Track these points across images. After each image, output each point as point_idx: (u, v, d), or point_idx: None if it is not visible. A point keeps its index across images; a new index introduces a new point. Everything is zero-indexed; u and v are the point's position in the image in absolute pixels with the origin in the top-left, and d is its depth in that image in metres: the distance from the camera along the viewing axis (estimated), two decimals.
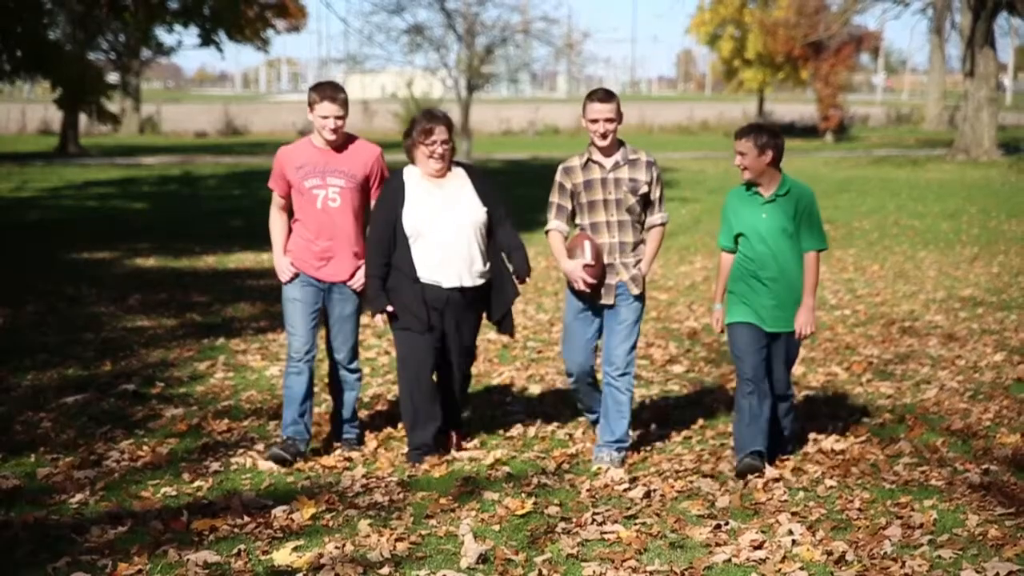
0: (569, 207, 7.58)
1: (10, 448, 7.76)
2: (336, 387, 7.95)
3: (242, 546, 6.11)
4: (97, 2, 31.39)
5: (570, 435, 8.14)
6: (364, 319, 8.14)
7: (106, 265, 16.28)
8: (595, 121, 7.43)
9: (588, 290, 7.43)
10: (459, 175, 7.65)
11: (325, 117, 7.53)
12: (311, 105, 7.57)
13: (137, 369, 9.99)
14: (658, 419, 8.54)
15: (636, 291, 7.50)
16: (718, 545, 6.15)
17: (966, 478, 7.10)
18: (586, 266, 7.36)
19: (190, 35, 47.52)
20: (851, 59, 50.46)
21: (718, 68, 63.28)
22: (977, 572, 5.73)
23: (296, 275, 7.70)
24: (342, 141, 7.67)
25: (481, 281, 7.57)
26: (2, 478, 7.18)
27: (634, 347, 7.58)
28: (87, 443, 7.90)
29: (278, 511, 6.61)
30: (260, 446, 7.88)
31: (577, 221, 7.62)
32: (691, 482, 7.15)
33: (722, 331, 7.59)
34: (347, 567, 5.80)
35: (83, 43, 39.48)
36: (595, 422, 7.86)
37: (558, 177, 7.60)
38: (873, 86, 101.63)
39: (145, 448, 7.83)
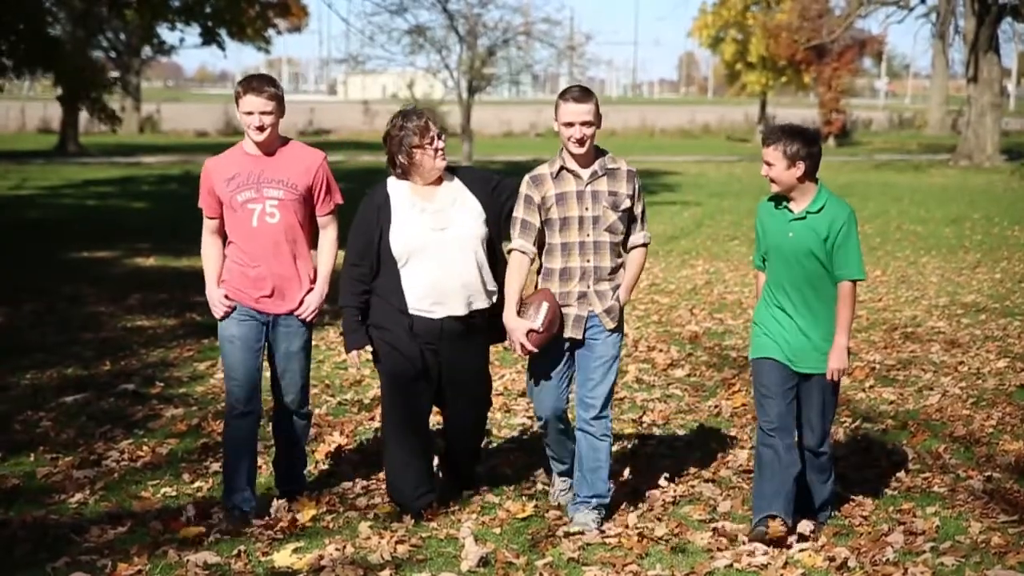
0: (537, 223, 6.44)
1: (9, 447, 7.77)
2: (282, 435, 6.92)
3: (242, 547, 6.11)
4: (98, 0, 31.44)
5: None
6: (354, 358, 6.71)
7: (106, 264, 16.29)
8: (570, 125, 6.35)
9: (523, 355, 6.53)
10: (453, 184, 6.65)
11: (249, 113, 6.45)
12: (236, 100, 6.52)
13: (137, 369, 9.99)
14: (659, 423, 8.54)
15: (611, 325, 6.50)
16: (719, 550, 6.15)
17: (969, 485, 7.10)
18: (532, 331, 6.34)
19: (191, 34, 47.34)
20: (854, 63, 50.53)
21: (720, 71, 63.37)
22: None
23: (232, 308, 6.59)
24: (277, 146, 6.63)
25: (485, 304, 6.62)
26: (1, 477, 7.19)
27: (612, 387, 6.60)
28: (87, 443, 7.90)
29: (278, 512, 6.62)
30: (260, 447, 7.87)
31: (548, 240, 6.50)
32: (692, 486, 7.16)
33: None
34: (347, 569, 5.80)
35: (84, 41, 39.43)
36: (563, 473, 6.92)
37: (524, 188, 6.49)
38: (876, 90, 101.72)
39: (145, 448, 7.83)
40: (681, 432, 8.34)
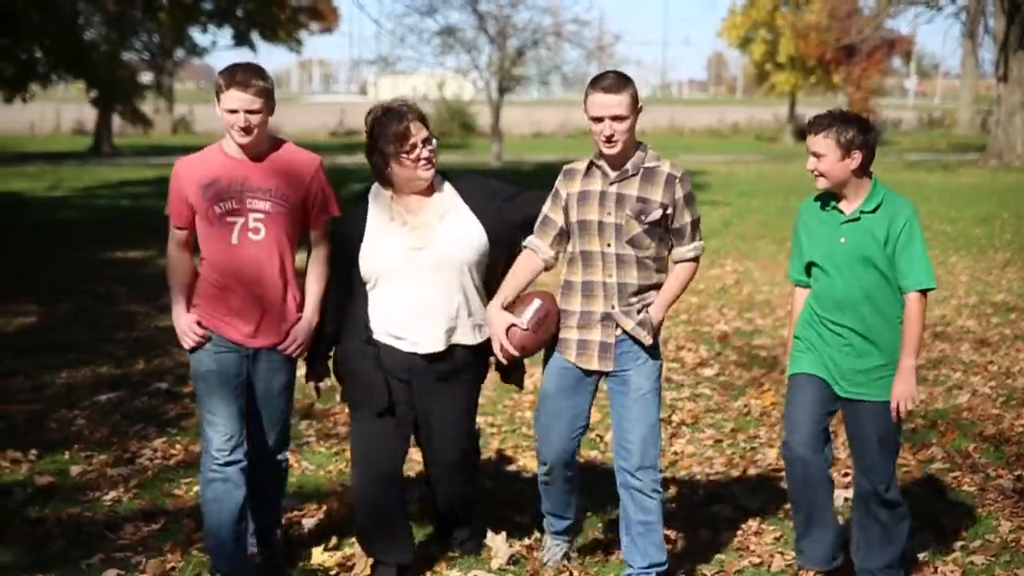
0: (560, 222, 5.40)
1: (45, 445, 7.81)
2: (257, 486, 5.67)
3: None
4: (131, 3, 31.63)
5: (600, 436, 8.11)
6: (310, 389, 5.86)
7: (139, 264, 16.35)
8: (598, 120, 5.21)
9: (504, 360, 5.41)
10: (445, 195, 5.56)
11: (233, 111, 5.31)
12: (216, 94, 5.37)
13: (170, 368, 10.02)
14: (689, 422, 8.52)
15: (647, 340, 5.34)
16: (749, 549, 6.13)
17: (998, 484, 7.06)
18: (513, 327, 5.28)
19: (224, 36, 47.56)
20: (883, 63, 50.39)
21: (749, 71, 63.23)
22: None
23: (207, 339, 5.50)
24: (265, 148, 5.48)
25: (471, 340, 5.54)
26: (37, 475, 7.24)
27: (658, 430, 5.41)
28: (120, 441, 7.94)
29: (310, 511, 6.63)
30: (292, 445, 7.89)
31: (569, 248, 5.47)
32: (722, 485, 7.14)
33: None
34: (380, 568, 5.80)
35: (117, 44, 39.68)
36: (560, 532, 5.88)
37: (557, 182, 5.47)
38: (905, 90, 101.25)
39: (178, 446, 7.85)
40: (710, 431, 8.32)
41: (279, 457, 5.81)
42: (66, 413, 8.63)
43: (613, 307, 5.33)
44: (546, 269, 5.53)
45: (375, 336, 5.50)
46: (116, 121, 41.79)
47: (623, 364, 5.38)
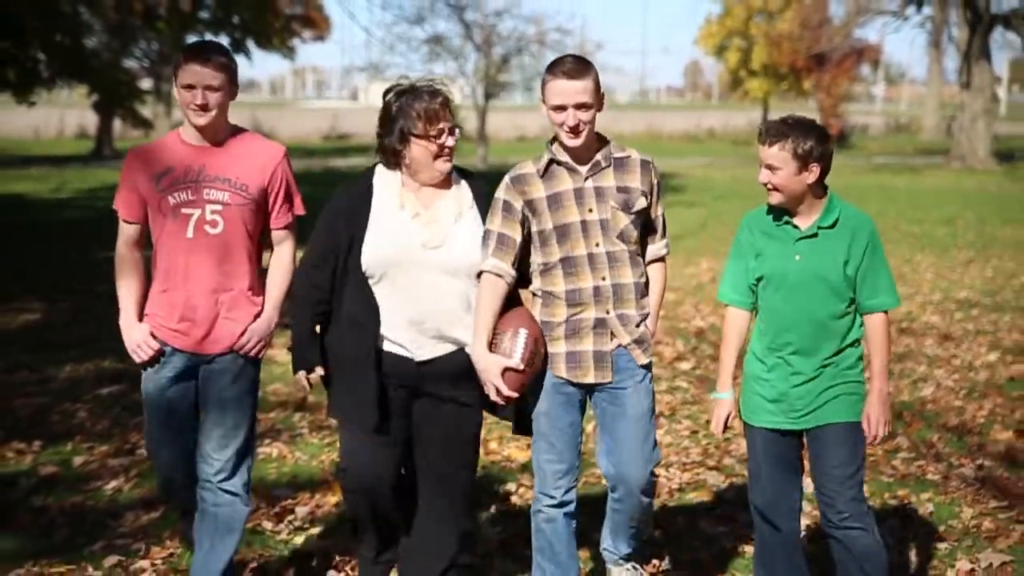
0: (518, 237, 4.66)
1: (48, 437, 7.79)
2: (202, 526, 4.92)
3: (268, 532, 6.13)
4: (131, 11, 31.57)
5: None
6: (301, 379, 4.86)
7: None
8: (560, 108, 4.60)
9: (501, 401, 4.66)
10: (463, 192, 4.84)
11: (190, 87, 4.64)
12: (174, 71, 4.70)
13: None
14: (667, 414, 8.53)
15: (644, 359, 4.77)
16: (724, 535, 6.14)
17: (961, 472, 7.09)
18: (508, 370, 4.56)
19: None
20: (852, 70, 50.33)
21: (725, 78, 63.14)
22: (971, 563, 5.72)
23: (160, 352, 4.82)
24: (225, 135, 4.82)
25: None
26: (41, 465, 7.23)
27: (656, 445, 4.79)
28: (121, 432, 7.92)
29: (303, 499, 6.63)
30: (286, 436, 7.90)
31: (536, 260, 4.72)
32: (697, 474, 7.15)
33: (726, 430, 5.02)
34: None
35: (118, 51, 39.60)
36: None
37: (500, 192, 4.71)
38: (873, 96, 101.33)
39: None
40: (687, 422, 8.33)
41: (231, 486, 4.86)
42: (69, 406, 8.61)
43: (608, 312, 4.68)
44: (507, 288, 4.72)
45: (378, 341, 4.68)
46: (117, 125, 41.63)
47: (619, 380, 4.72)
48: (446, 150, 4.66)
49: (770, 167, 4.58)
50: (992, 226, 20.75)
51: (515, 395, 4.60)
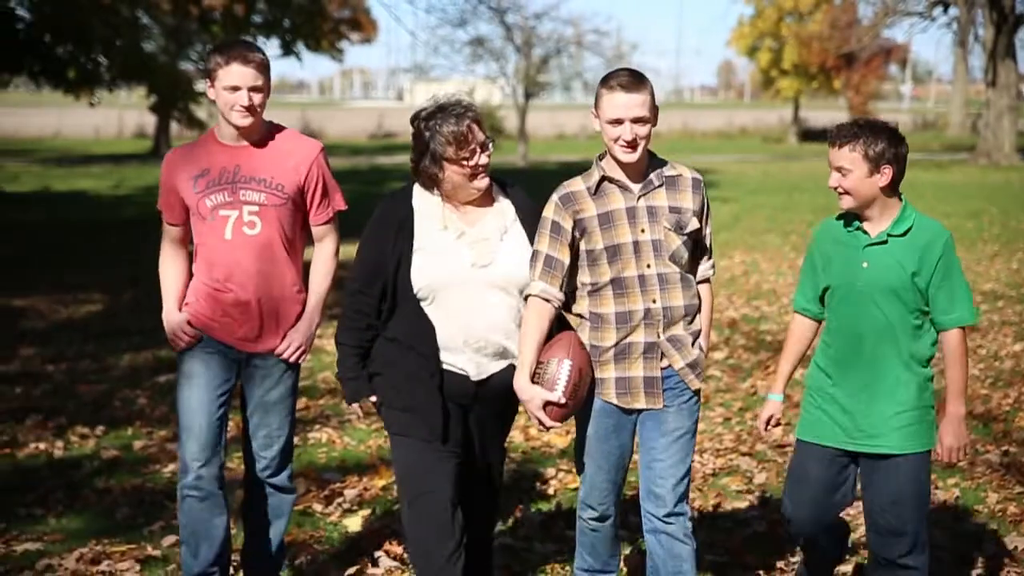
0: (566, 260, 4.36)
1: (110, 422, 7.87)
2: (252, 514, 4.96)
3: (318, 514, 6.16)
4: (187, 15, 31.75)
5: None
6: (356, 410, 4.62)
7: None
8: (617, 122, 4.26)
9: (542, 429, 4.45)
10: (505, 207, 4.55)
11: (235, 88, 4.50)
12: (211, 75, 4.54)
13: None
14: (701, 402, 8.49)
15: (696, 384, 4.51)
16: (756, 519, 6.13)
17: (987, 459, 7.04)
18: (550, 404, 4.28)
19: (271, 46, 47.61)
20: (880, 69, 50.12)
21: (756, 77, 62.81)
22: (997, 546, 5.68)
23: (198, 339, 4.73)
24: (262, 133, 4.66)
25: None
26: (103, 449, 7.30)
27: (689, 470, 4.53)
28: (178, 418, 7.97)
29: (351, 482, 6.66)
30: (335, 422, 7.93)
31: (585, 280, 4.42)
32: (731, 460, 7.13)
33: (769, 427, 4.73)
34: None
35: (175, 54, 39.87)
36: None
37: (549, 212, 4.39)
38: (901, 95, 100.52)
39: (231, 423, 7.88)
40: (720, 409, 8.31)
41: (280, 479, 4.88)
42: (129, 393, 8.69)
43: (658, 336, 4.38)
44: (554, 313, 4.45)
45: (433, 361, 4.41)
46: (173, 125, 41.92)
47: (666, 400, 4.46)
48: (481, 169, 4.39)
49: (840, 170, 4.30)
50: (1017, 220, 20.54)
51: (557, 425, 4.34)
